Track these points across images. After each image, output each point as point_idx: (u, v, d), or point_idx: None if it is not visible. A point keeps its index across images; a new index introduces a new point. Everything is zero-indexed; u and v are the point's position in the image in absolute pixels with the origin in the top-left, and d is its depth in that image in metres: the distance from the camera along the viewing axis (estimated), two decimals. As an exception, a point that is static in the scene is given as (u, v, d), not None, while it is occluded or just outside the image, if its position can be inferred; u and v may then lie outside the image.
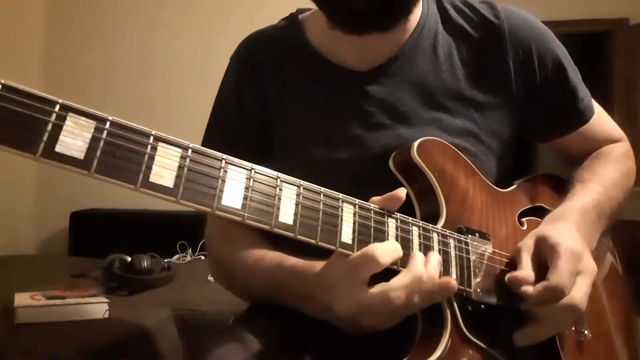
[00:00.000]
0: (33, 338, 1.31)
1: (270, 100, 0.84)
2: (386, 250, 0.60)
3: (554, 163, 1.01)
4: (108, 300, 1.50)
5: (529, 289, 0.67)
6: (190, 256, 2.48)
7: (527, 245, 0.72)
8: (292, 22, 0.89)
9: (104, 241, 2.39)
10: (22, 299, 1.46)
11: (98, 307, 1.46)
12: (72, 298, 1.49)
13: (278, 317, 0.76)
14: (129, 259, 1.92)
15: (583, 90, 0.89)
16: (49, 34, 3.08)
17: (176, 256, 2.47)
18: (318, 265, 0.66)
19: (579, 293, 0.67)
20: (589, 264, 0.71)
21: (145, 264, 1.90)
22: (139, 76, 3.07)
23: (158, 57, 3.08)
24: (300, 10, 0.92)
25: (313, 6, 0.92)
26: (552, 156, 0.99)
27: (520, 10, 0.87)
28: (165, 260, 2.19)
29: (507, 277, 0.70)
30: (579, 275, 0.69)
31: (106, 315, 1.45)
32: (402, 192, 0.65)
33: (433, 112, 0.80)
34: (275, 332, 0.75)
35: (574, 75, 0.88)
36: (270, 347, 0.73)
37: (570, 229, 0.74)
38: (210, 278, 1.96)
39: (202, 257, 2.45)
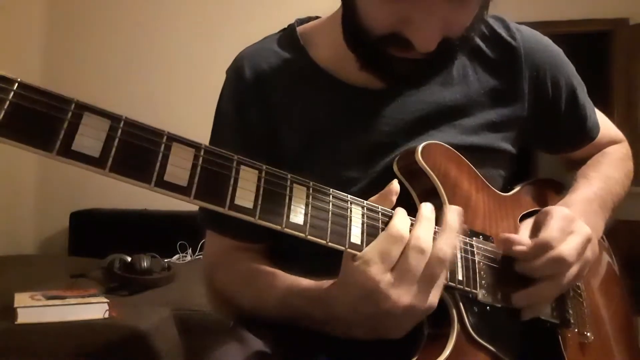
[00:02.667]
0: (33, 338, 1.31)
1: (277, 122, 0.81)
2: (402, 221, 0.60)
3: (552, 168, 1.02)
4: (108, 300, 1.51)
5: (519, 247, 0.70)
6: (190, 256, 2.48)
7: (526, 222, 0.76)
8: (292, 38, 0.85)
9: (104, 241, 2.39)
10: (22, 299, 1.47)
11: (98, 307, 1.47)
12: (72, 298, 1.50)
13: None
14: (129, 259, 1.93)
15: (590, 108, 0.91)
16: (49, 33, 3.08)
17: (176, 256, 2.47)
18: (326, 284, 0.65)
19: (567, 246, 0.69)
20: (582, 227, 0.72)
21: (145, 264, 1.90)
22: (139, 75, 3.07)
23: (159, 56, 3.09)
24: (299, 21, 0.88)
25: (311, 13, 0.91)
26: (552, 161, 1.00)
27: (534, 31, 0.87)
28: (165, 260, 2.19)
29: (500, 236, 0.73)
30: (571, 234, 0.70)
31: (106, 315, 1.45)
32: (394, 185, 0.65)
33: (445, 131, 0.80)
34: (276, 333, 0.75)
35: (583, 95, 0.89)
36: (271, 347, 0.73)
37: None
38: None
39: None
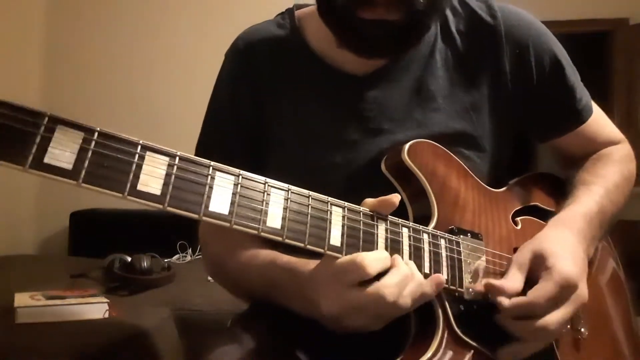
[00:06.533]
0: (33, 338, 1.30)
1: (266, 102, 0.83)
2: (375, 260, 0.60)
3: (551, 161, 1.01)
4: (108, 300, 1.50)
5: (504, 300, 0.66)
6: (190, 256, 2.48)
7: (521, 259, 0.71)
8: (290, 20, 0.87)
9: (104, 241, 2.39)
10: (22, 299, 1.46)
11: (98, 307, 1.46)
12: (72, 298, 1.49)
13: (276, 318, 0.76)
14: (129, 259, 1.92)
15: (581, 91, 0.88)
16: (49, 33, 3.08)
17: (176, 256, 2.47)
18: (312, 263, 0.66)
19: (553, 319, 0.66)
20: (578, 296, 0.69)
21: (145, 264, 1.90)
22: (138, 76, 3.07)
23: (158, 57, 3.08)
24: (298, 6, 0.90)
25: (310, 2, 0.91)
26: (552, 155, 0.98)
27: (518, 9, 0.86)
28: (165, 260, 2.19)
29: (484, 283, 0.69)
30: (564, 303, 0.68)
31: (106, 315, 1.45)
32: (396, 198, 0.65)
33: (430, 117, 0.79)
34: (273, 333, 0.75)
35: (572, 74, 0.87)
36: (268, 348, 0.73)
37: (573, 241, 0.73)
38: (210, 278, 1.96)
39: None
